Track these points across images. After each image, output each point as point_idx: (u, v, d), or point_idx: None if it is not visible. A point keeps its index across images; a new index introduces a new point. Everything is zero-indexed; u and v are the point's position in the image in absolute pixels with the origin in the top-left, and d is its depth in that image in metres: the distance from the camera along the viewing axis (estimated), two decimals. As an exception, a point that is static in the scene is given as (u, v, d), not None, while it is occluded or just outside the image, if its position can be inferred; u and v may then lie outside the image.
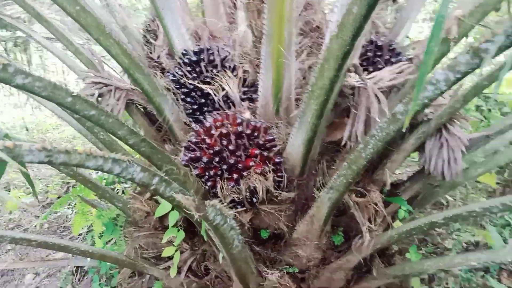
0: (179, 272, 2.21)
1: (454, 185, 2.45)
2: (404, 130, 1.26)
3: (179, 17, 1.89)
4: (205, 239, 1.99)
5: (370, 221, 1.95)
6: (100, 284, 2.79)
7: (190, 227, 2.21)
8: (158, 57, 2.04)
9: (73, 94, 1.16)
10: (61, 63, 2.57)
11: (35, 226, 3.68)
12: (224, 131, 1.66)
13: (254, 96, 1.87)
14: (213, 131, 1.67)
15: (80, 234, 3.46)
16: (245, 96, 1.86)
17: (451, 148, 1.93)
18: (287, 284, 1.97)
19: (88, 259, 3.00)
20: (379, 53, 1.80)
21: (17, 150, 0.89)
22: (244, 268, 1.76)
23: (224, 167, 1.68)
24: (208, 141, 1.66)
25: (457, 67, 1.03)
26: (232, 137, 1.66)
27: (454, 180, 2.22)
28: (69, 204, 4.17)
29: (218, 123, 1.69)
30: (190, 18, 2.03)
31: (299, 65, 1.79)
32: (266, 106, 1.87)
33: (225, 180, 1.72)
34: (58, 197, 4.32)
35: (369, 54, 1.79)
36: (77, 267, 3.06)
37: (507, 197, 1.40)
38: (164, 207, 1.92)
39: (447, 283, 3.02)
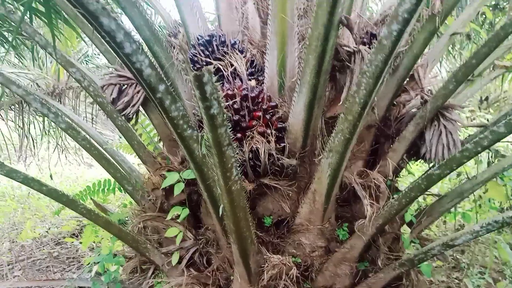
0: (179, 262, 2.18)
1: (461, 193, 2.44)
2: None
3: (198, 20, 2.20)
4: (207, 226, 2.03)
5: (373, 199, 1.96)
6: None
7: (195, 215, 2.24)
8: (177, 53, 2.29)
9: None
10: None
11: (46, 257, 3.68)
12: (230, 92, 1.81)
13: (260, 78, 2.05)
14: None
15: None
16: (252, 77, 2.03)
17: (449, 131, 2.00)
18: (288, 264, 1.92)
19: (90, 280, 2.95)
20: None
21: None
22: (244, 226, 1.74)
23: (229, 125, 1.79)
24: (215, 100, 1.80)
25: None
26: (238, 98, 1.80)
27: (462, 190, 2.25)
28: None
29: (225, 89, 1.85)
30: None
31: (301, 48, 1.99)
32: (271, 87, 2.04)
33: (230, 141, 1.82)
34: (73, 235, 4.36)
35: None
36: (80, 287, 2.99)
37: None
38: (171, 178, 1.99)
39: None
